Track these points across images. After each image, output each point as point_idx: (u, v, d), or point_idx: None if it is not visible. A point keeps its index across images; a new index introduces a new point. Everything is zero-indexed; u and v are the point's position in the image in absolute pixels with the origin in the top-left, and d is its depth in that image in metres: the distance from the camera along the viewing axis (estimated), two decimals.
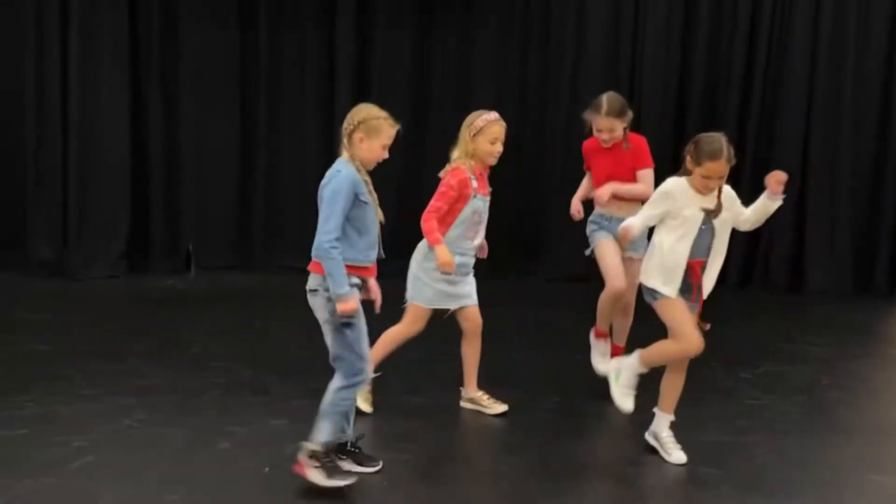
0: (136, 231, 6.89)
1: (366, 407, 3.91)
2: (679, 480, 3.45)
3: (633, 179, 4.21)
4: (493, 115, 3.87)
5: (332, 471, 3.15)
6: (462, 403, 4.13)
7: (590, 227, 4.31)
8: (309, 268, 3.21)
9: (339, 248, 3.08)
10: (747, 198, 7.57)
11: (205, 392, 4.13)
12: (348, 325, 3.13)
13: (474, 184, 3.84)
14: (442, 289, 3.88)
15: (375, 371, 3.63)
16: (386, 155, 3.23)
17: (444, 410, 4.08)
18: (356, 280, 3.18)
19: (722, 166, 3.41)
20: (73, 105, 6.61)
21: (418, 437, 3.75)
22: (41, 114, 6.63)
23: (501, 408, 4.08)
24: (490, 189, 3.96)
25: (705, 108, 7.21)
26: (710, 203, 3.50)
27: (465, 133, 3.85)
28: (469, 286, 3.98)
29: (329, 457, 3.18)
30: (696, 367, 4.86)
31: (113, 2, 6.66)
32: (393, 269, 7.03)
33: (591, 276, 7.20)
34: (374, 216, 3.21)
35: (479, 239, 3.97)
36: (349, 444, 3.37)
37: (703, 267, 3.51)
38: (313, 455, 3.14)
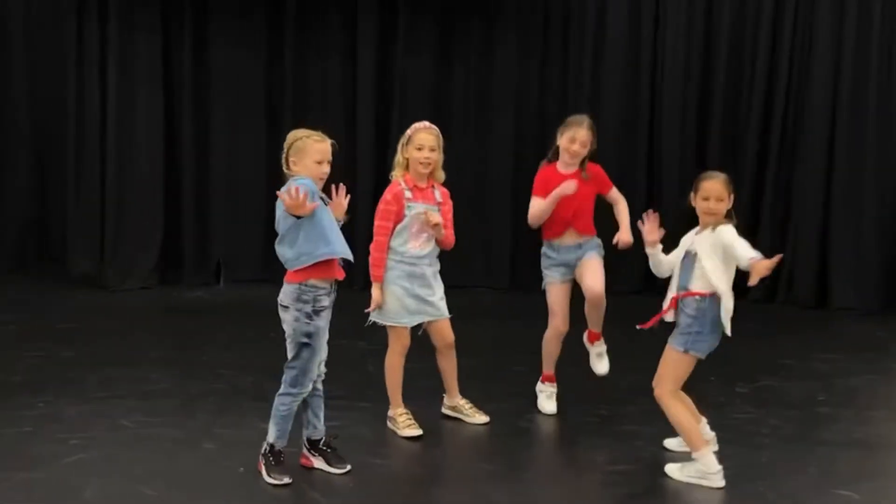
0: (169, 245, 7.25)
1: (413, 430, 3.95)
2: (642, 489, 3.52)
3: (592, 207, 4.28)
4: (424, 123, 4.00)
5: (270, 467, 3.39)
6: (444, 410, 4.25)
7: (543, 262, 4.33)
8: (285, 278, 3.42)
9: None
10: (769, 214, 7.55)
11: (204, 397, 4.37)
12: (307, 345, 3.35)
13: (408, 194, 3.94)
14: (405, 303, 3.95)
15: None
16: (325, 169, 3.40)
17: (425, 417, 4.19)
18: (325, 302, 3.39)
19: (717, 184, 3.52)
20: (110, 127, 7.03)
21: (394, 442, 3.91)
22: (80, 135, 7.06)
23: (483, 418, 4.18)
24: (440, 200, 4.02)
25: (726, 132, 7.21)
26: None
27: (400, 144, 4.00)
28: (433, 298, 4.04)
29: (272, 455, 3.40)
30: (694, 382, 4.94)
31: (148, 27, 7.05)
32: None
33: (615, 291, 7.40)
34: (333, 220, 3.41)
35: (429, 248, 4.01)
36: (321, 443, 3.56)
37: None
38: (263, 452, 3.42)
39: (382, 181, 7.42)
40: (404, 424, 3.96)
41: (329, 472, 3.51)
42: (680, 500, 3.45)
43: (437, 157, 4.03)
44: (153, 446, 3.72)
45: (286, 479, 3.39)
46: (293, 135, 3.42)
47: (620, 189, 7.17)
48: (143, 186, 7.16)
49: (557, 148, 4.27)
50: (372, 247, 3.96)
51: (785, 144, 7.11)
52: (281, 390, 3.42)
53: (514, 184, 7.37)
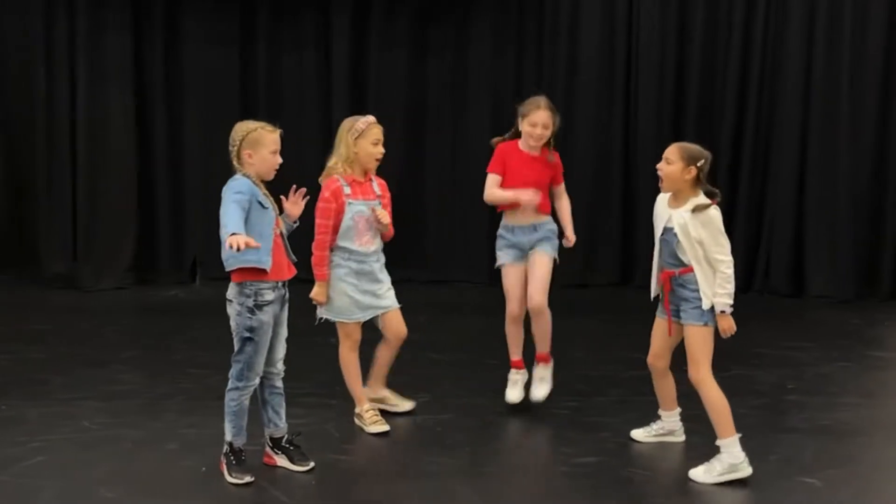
0: (144, 244, 7.20)
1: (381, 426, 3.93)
2: (606, 481, 3.52)
3: (548, 190, 4.25)
4: (371, 118, 3.94)
5: (231, 466, 3.38)
6: (379, 406, 4.11)
7: (497, 243, 4.28)
8: (232, 278, 3.38)
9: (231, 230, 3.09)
10: (745, 204, 7.55)
11: (171, 397, 4.35)
12: (250, 339, 3.32)
13: (347, 190, 3.88)
14: (354, 298, 3.91)
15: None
16: (279, 159, 3.38)
17: (393, 413, 4.18)
18: (269, 297, 3.33)
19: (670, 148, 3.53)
20: (81, 125, 6.97)
21: (361, 438, 3.90)
22: (50, 134, 7.00)
23: (409, 404, 4.14)
24: (380, 193, 3.97)
25: (702, 116, 7.21)
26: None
27: (346, 138, 3.88)
28: (382, 291, 4.01)
29: (232, 454, 3.39)
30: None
31: (118, 22, 6.99)
32: (395, 278, 7.42)
33: (591, 284, 7.44)
34: (272, 224, 3.35)
35: (375, 244, 3.97)
36: (284, 440, 3.54)
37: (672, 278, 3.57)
38: (224, 452, 3.40)
39: None
40: (371, 420, 3.94)
41: (292, 470, 3.49)
42: (644, 491, 3.44)
43: None
44: (115, 448, 3.69)
45: (248, 478, 3.38)
46: (244, 127, 3.36)
47: (597, 180, 7.39)
48: (117, 185, 7.11)
49: (517, 130, 4.22)
50: (314, 246, 3.91)
51: (759, 136, 7.11)
52: (228, 385, 3.40)
53: None
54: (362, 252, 3.93)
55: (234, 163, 3.36)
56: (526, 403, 4.32)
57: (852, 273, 6.97)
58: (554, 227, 4.31)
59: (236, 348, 3.37)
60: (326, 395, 4.33)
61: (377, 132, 3.93)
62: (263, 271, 3.29)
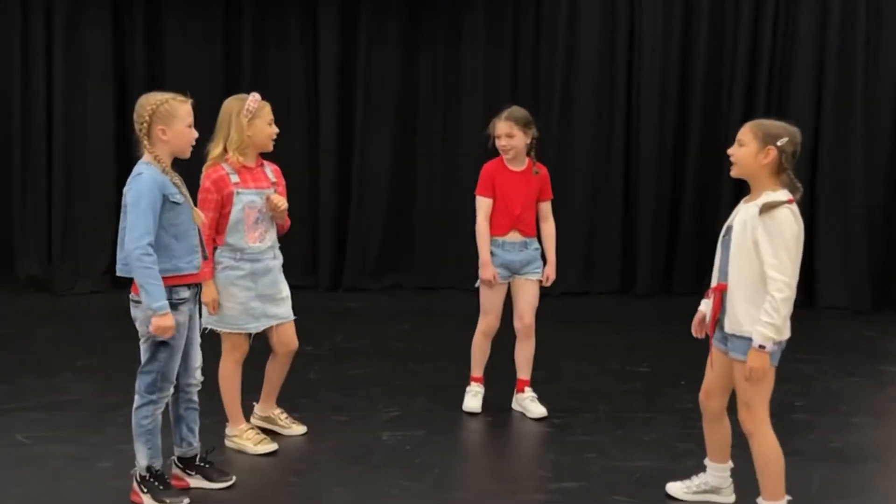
0: None
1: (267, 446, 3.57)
2: None
3: (535, 206, 4.06)
4: (257, 95, 3.51)
5: (157, 493, 3.01)
6: (253, 420, 3.74)
7: None
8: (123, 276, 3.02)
9: (154, 257, 2.86)
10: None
11: (118, 408, 3.97)
12: (163, 343, 2.95)
13: (234, 178, 3.43)
14: (248, 306, 3.47)
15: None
16: (195, 134, 3.04)
17: (349, 430, 3.86)
18: (185, 294, 2.99)
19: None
20: (57, 122, 6.69)
21: (319, 458, 3.55)
22: (26, 133, 6.73)
23: (300, 429, 3.76)
24: (274, 179, 3.55)
25: (707, 120, 6.83)
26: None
27: (237, 121, 3.41)
28: (281, 297, 3.57)
29: (154, 479, 3.02)
30: (662, 385, 4.60)
31: (97, 17, 6.72)
32: (385, 284, 7.09)
33: (591, 291, 7.07)
34: (191, 217, 3.02)
35: (270, 239, 3.53)
36: (198, 459, 3.19)
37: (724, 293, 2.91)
38: (140, 480, 3.03)
39: (346, 172, 7.19)
40: (255, 441, 3.55)
41: (211, 489, 3.15)
42: None
43: None
44: (43, 464, 3.36)
45: (185, 500, 3.03)
46: (151, 99, 2.97)
47: (596, 184, 7.02)
48: (94, 186, 6.81)
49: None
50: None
51: None
52: (137, 402, 3.02)
53: None
54: (255, 249, 3.48)
55: (144, 142, 2.98)
56: (506, 419, 3.99)
57: (867, 282, 6.56)
58: (539, 249, 4.13)
59: (146, 357, 2.99)
60: (288, 409, 3.96)
61: (269, 110, 3.52)
62: (184, 276, 2.95)
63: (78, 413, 3.94)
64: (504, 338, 4.15)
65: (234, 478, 3.22)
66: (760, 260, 2.74)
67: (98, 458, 3.43)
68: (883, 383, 4.80)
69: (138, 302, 2.94)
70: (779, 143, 2.81)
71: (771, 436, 2.90)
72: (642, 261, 6.94)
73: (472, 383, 4.15)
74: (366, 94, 6.96)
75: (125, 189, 2.96)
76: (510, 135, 3.92)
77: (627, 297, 6.89)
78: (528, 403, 4.08)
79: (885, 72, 6.51)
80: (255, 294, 3.49)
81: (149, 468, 3.02)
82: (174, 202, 2.94)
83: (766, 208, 2.74)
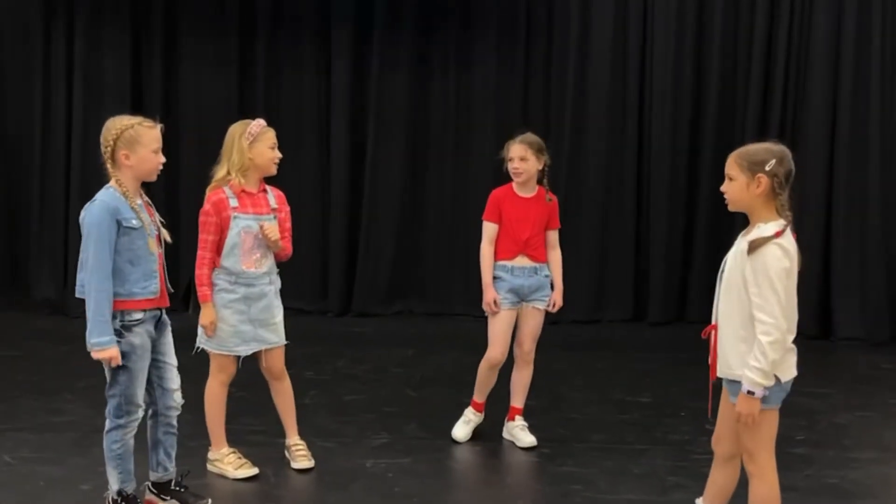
0: None
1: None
2: None
3: (544, 233, 4.03)
4: (262, 121, 3.57)
5: None
6: (287, 454, 3.73)
7: (495, 284, 3.97)
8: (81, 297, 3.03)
9: (108, 291, 2.87)
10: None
11: None
12: (122, 367, 2.95)
13: (233, 203, 3.46)
14: (238, 329, 3.48)
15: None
16: (162, 159, 3.06)
17: (341, 455, 3.82)
18: (138, 316, 2.99)
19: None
20: (75, 150, 6.82)
21: (296, 484, 3.52)
22: (45, 159, 6.87)
23: (304, 464, 3.67)
24: (275, 206, 3.56)
25: (721, 143, 6.72)
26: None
27: (239, 143, 3.47)
28: (275, 321, 3.57)
29: (126, 502, 3.02)
30: (661, 415, 4.50)
31: (116, 47, 6.86)
32: (395, 309, 7.08)
33: (602, 319, 6.94)
34: (147, 243, 3.02)
35: (266, 265, 3.54)
36: (173, 483, 3.18)
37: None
38: (112, 503, 3.01)
39: (357, 197, 7.21)
40: (236, 465, 3.53)
41: None
42: None
43: None
44: (25, 486, 3.38)
45: None
46: (117, 123, 3.01)
47: (609, 210, 6.95)
48: None
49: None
50: (196, 263, 3.53)
51: None
52: (107, 426, 3.02)
53: None
54: (250, 274, 3.51)
55: (108, 165, 3.02)
56: (495, 447, 3.94)
57: (885, 313, 6.39)
58: (549, 277, 4.08)
59: (108, 380, 3.01)
60: (276, 433, 3.94)
61: (272, 135, 3.57)
62: (138, 301, 2.96)
63: (68, 434, 3.97)
64: (507, 364, 4.09)
65: (209, 501, 3.20)
66: (749, 299, 2.62)
67: (80, 480, 3.45)
68: (891, 417, 4.66)
69: None
70: (767, 169, 2.69)
71: (773, 480, 2.76)
72: (655, 289, 6.84)
73: (470, 409, 4.09)
74: (377, 119, 7.00)
75: (81, 214, 2.98)
76: (523, 158, 3.90)
77: (640, 326, 6.79)
78: (518, 432, 4.02)
79: None
80: (248, 318, 3.51)
81: (120, 492, 3.02)
82: (129, 227, 2.95)
83: (752, 248, 2.61)
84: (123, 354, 2.95)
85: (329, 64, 7.03)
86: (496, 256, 3.98)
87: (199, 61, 7.05)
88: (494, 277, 3.96)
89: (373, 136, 7.02)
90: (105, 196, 2.96)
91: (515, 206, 3.97)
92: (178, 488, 3.20)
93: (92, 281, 2.87)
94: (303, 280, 6.95)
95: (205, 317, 3.46)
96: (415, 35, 6.99)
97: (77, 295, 3.01)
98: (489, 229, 3.99)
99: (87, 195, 7.04)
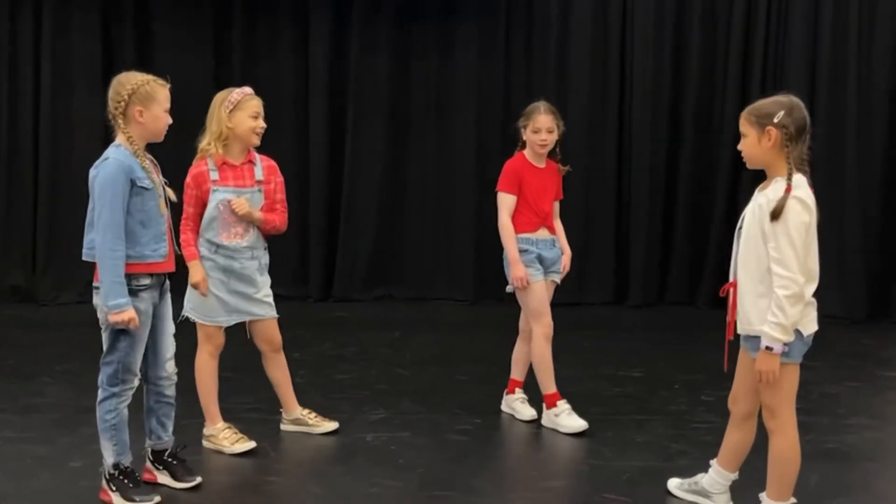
0: None
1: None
2: None
3: None
4: (248, 89, 3.47)
5: (127, 491, 2.90)
6: (283, 427, 3.69)
7: (524, 256, 3.79)
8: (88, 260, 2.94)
9: (122, 252, 2.79)
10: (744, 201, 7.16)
11: (92, 411, 3.85)
12: (123, 331, 2.85)
13: (213, 175, 3.36)
14: (221, 298, 3.39)
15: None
16: (170, 120, 2.97)
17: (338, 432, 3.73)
18: (146, 281, 2.90)
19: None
20: (44, 132, 6.62)
21: (298, 459, 3.45)
22: (12, 141, 6.66)
23: (331, 425, 3.67)
24: (261, 178, 3.45)
25: (700, 125, 6.79)
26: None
27: (219, 112, 3.38)
28: (258, 296, 3.48)
29: (124, 476, 2.92)
30: (655, 388, 4.49)
31: (86, 29, 6.68)
32: (376, 294, 6.99)
33: (581, 302, 6.92)
34: (157, 204, 2.93)
35: (249, 240, 3.43)
36: (167, 454, 3.09)
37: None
38: (108, 478, 2.92)
39: (337, 181, 7.10)
40: (232, 440, 3.44)
41: (176, 488, 3.04)
42: None
43: None
44: (14, 464, 3.26)
45: (157, 499, 2.92)
46: (132, 78, 2.91)
47: (589, 193, 6.94)
48: (81, 196, 6.64)
49: (523, 142, 3.90)
50: (181, 233, 3.43)
51: None
52: (100, 395, 2.92)
53: (478, 190, 6.93)
54: (230, 247, 3.40)
55: (118, 121, 2.91)
56: (495, 421, 3.89)
57: (864, 293, 6.47)
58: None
59: (106, 346, 2.91)
60: (271, 410, 3.85)
61: (256, 104, 3.46)
62: (136, 264, 2.86)
63: (51, 415, 3.83)
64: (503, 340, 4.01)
65: (199, 479, 3.11)
66: (768, 253, 2.60)
67: (69, 458, 3.32)
68: (880, 388, 4.71)
69: (97, 288, 2.87)
70: (776, 121, 2.65)
71: (793, 436, 2.74)
72: (635, 272, 6.85)
73: (559, 403, 3.80)
74: (357, 103, 6.91)
75: (92, 172, 2.88)
76: (551, 129, 3.79)
77: (621, 308, 6.79)
78: (518, 405, 3.97)
79: (878, 78, 6.46)
80: (227, 289, 3.41)
81: (116, 465, 2.92)
82: (142, 187, 2.87)
83: (775, 215, 2.58)
84: None
85: (307, 46, 6.92)
86: (518, 230, 3.81)
87: (173, 46, 6.88)
88: (520, 250, 3.79)
89: (352, 121, 6.93)
90: (118, 154, 2.87)
91: (536, 177, 3.85)
92: (171, 459, 3.10)
93: (105, 242, 2.78)
94: (282, 265, 6.78)
95: (194, 275, 3.36)
96: (395, 19, 6.91)
97: (84, 258, 2.91)
98: (509, 201, 3.82)
99: (56, 181, 6.93)
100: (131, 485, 2.92)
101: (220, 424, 3.50)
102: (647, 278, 6.86)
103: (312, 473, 3.32)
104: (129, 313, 2.79)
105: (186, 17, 6.90)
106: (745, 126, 2.74)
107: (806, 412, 4.11)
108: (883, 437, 3.89)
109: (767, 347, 2.61)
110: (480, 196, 6.87)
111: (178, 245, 3.11)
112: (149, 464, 3.11)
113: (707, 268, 6.67)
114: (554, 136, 3.84)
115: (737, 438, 2.92)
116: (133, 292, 2.83)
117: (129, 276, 2.83)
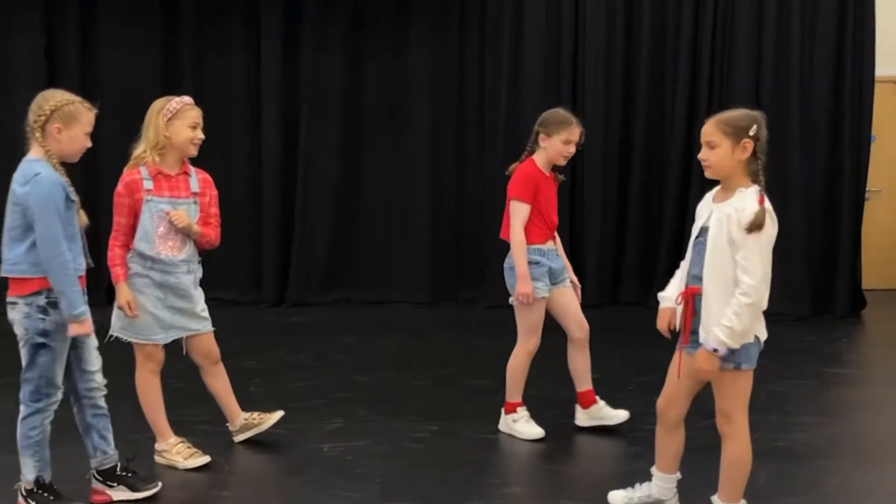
0: None
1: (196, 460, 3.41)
2: None
3: None
4: (188, 98, 3.40)
5: None
6: (236, 439, 3.65)
7: (534, 270, 3.69)
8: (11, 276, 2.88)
9: (69, 261, 2.79)
10: (693, 220, 7.31)
11: (52, 424, 3.78)
12: (44, 346, 2.82)
13: (147, 185, 3.26)
14: (157, 315, 3.30)
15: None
16: (89, 143, 2.92)
17: (295, 441, 3.71)
18: None
19: (708, 127, 2.75)
20: None
21: (251, 471, 3.40)
22: None
23: (276, 415, 3.63)
24: (197, 189, 3.36)
25: (652, 124, 6.90)
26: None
27: (156, 120, 3.28)
28: (196, 310, 3.40)
29: (44, 490, 2.89)
30: (607, 391, 4.53)
31: (28, 23, 6.54)
32: (331, 298, 6.94)
33: None
34: (76, 218, 2.91)
35: (185, 252, 3.34)
36: (118, 469, 3.04)
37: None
38: (26, 494, 2.88)
39: (290, 183, 7.02)
40: (185, 455, 3.39)
41: (138, 500, 3.00)
42: None
43: None
44: None
45: None
46: (58, 96, 2.87)
47: None
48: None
49: (533, 149, 3.80)
50: (108, 244, 3.35)
51: None
52: (23, 412, 2.88)
53: (434, 190, 6.94)
54: (165, 260, 3.31)
55: (36, 134, 2.84)
56: (452, 428, 3.89)
57: (807, 290, 6.66)
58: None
59: (26, 361, 2.86)
60: (222, 421, 3.79)
61: (195, 114, 3.36)
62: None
63: (6, 429, 3.69)
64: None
65: (159, 483, 3.08)
66: (734, 261, 2.62)
67: (17, 475, 3.21)
68: (827, 385, 4.84)
69: (14, 303, 2.84)
70: (751, 133, 2.68)
71: (747, 440, 2.80)
72: (590, 271, 6.93)
73: (518, 410, 3.84)
74: (310, 104, 6.87)
75: (22, 188, 2.81)
76: (580, 142, 3.74)
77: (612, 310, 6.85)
78: (606, 411, 3.95)
79: (821, 78, 6.63)
80: (164, 305, 3.33)
81: (37, 480, 2.89)
82: (72, 200, 2.86)
83: (755, 227, 2.60)
84: (46, 333, 2.83)
85: (258, 46, 6.86)
86: (529, 241, 3.70)
87: (119, 44, 6.77)
88: (531, 262, 3.69)
89: (305, 121, 6.89)
90: (45, 169, 2.83)
91: (548, 186, 3.77)
92: (124, 473, 3.05)
93: (52, 255, 2.77)
94: (234, 270, 6.75)
95: (121, 297, 3.26)
96: (348, 18, 6.87)
97: (3, 274, 2.84)
98: (525, 211, 3.68)
99: (4, 181, 6.74)
100: (52, 497, 2.89)
101: (173, 439, 3.44)
102: (601, 279, 6.94)
103: (270, 487, 3.29)
104: (89, 322, 2.84)
105: (132, 16, 6.78)
106: (716, 136, 2.72)
107: (755, 410, 4.14)
108: (831, 434, 3.99)
109: (714, 350, 2.65)
110: (435, 196, 6.88)
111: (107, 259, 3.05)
112: (98, 485, 3.04)
113: (659, 269, 6.78)
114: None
115: (672, 443, 2.97)
116: (52, 304, 2.81)
117: (48, 290, 2.82)
